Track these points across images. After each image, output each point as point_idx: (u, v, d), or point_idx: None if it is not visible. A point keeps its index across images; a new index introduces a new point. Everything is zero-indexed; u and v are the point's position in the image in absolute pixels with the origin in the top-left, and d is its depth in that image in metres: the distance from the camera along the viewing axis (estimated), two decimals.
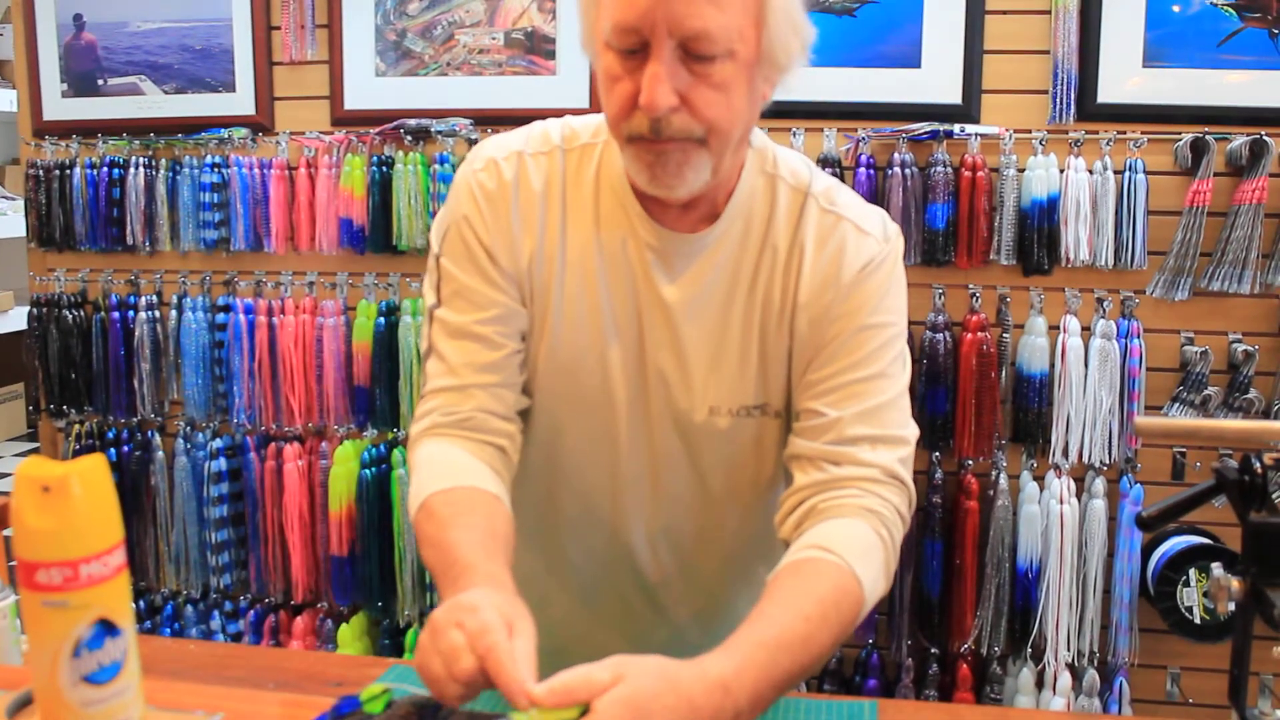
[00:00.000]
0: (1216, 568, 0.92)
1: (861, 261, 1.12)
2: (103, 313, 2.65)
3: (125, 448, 2.68)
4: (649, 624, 1.29)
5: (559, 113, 1.19)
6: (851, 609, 1.00)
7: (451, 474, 1.09)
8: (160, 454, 2.66)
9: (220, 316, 2.60)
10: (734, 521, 1.24)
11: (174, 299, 2.63)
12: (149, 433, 2.67)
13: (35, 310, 2.68)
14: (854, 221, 1.14)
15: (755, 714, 0.88)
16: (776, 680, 0.90)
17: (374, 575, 2.54)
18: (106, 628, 0.80)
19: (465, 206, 1.15)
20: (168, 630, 2.69)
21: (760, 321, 1.14)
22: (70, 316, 2.66)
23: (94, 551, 0.79)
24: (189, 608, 2.69)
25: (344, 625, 2.58)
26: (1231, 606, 0.91)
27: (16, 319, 4.18)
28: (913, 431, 1.14)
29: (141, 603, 2.73)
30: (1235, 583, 0.91)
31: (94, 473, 0.79)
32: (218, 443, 2.61)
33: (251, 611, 2.67)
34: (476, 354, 1.14)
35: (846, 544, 1.03)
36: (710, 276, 1.14)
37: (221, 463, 2.60)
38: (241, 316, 2.58)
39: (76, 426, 2.70)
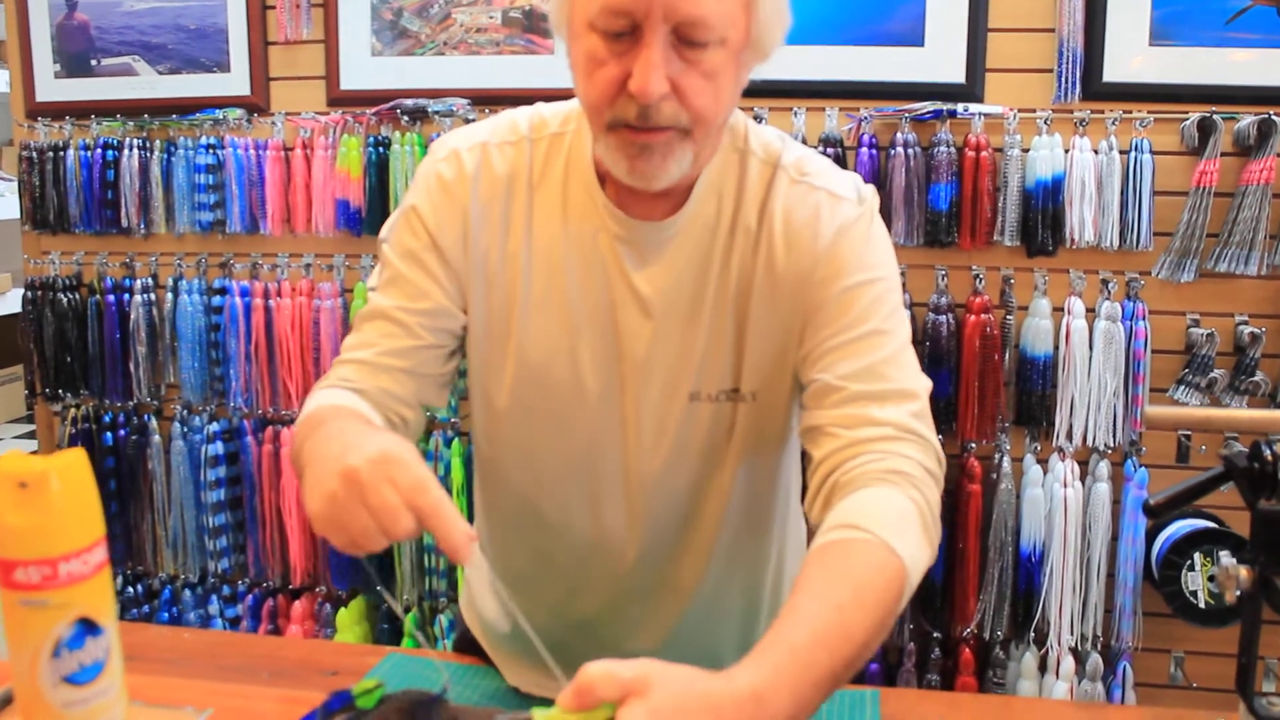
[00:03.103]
0: (1225, 556, 0.91)
1: (837, 224, 1.10)
2: (98, 295, 2.63)
3: (121, 431, 2.66)
4: (642, 622, 1.27)
5: (557, 93, 1.16)
6: (891, 585, 0.93)
7: (335, 404, 1.08)
8: (157, 438, 2.65)
9: (216, 299, 2.58)
10: (717, 509, 1.21)
11: (169, 281, 2.61)
12: (145, 416, 2.66)
13: (30, 293, 2.66)
14: (826, 189, 1.12)
15: (803, 717, 0.82)
16: (818, 679, 0.83)
17: (372, 559, 2.52)
18: (87, 627, 0.79)
19: (416, 197, 1.14)
20: (165, 615, 2.68)
21: (735, 302, 1.12)
22: (65, 299, 2.64)
23: (74, 549, 0.77)
24: (186, 592, 2.68)
25: (343, 609, 2.57)
26: (1238, 594, 0.90)
27: (12, 301, 4.16)
28: (922, 384, 1.10)
29: (139, 587, 2.72)
30: (1244, 571, 0.89)
31: (73, 468, 0.77)
32: (215, 426, 2.60)
33: (250, 595, 2.66)
34: (394, 337, 1.12)
35: (876, 516, 0.96)
36: (682, 263, 1.11)
37: (219, 446, 2.59)
38: (238, 299, 2.56)
39: (73, 410, 2.69)
